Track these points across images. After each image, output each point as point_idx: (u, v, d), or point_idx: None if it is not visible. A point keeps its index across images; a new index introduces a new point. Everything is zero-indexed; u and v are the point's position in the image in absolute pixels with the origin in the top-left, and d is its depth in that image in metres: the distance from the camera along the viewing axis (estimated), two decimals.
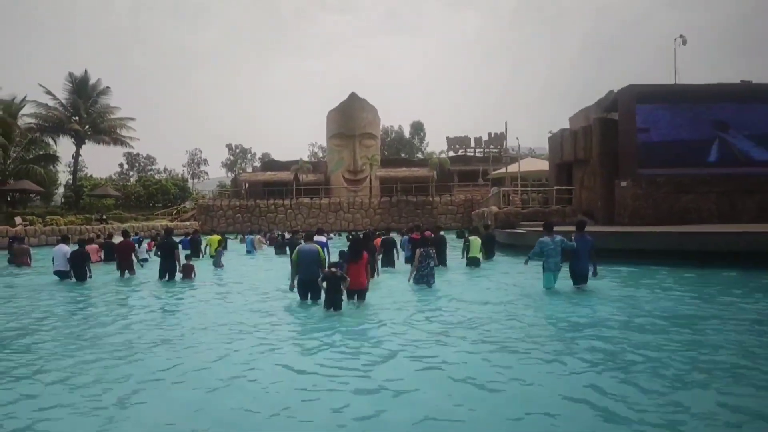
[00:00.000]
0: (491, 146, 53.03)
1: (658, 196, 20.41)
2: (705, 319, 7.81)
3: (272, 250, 22.96)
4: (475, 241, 15.37)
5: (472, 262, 14.88)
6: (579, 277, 10.44)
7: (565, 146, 25.62)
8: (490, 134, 53.74)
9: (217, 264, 16.58)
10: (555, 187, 25.32)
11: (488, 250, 16.45)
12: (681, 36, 25.19)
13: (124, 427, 4.24)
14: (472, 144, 53.91)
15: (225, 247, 17.27)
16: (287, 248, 19.36)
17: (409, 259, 14.30)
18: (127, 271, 14.33)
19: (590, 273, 10.40)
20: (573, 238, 10.70)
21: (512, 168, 33.42)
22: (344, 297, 8.99)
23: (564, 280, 10.65)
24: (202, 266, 16.40)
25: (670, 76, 25.47)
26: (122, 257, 14.54)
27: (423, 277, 11.24)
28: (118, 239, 16.43)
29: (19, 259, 17.77)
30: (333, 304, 8.73)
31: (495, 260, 16.68)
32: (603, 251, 14.52)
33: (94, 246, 17.87)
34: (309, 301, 9.44)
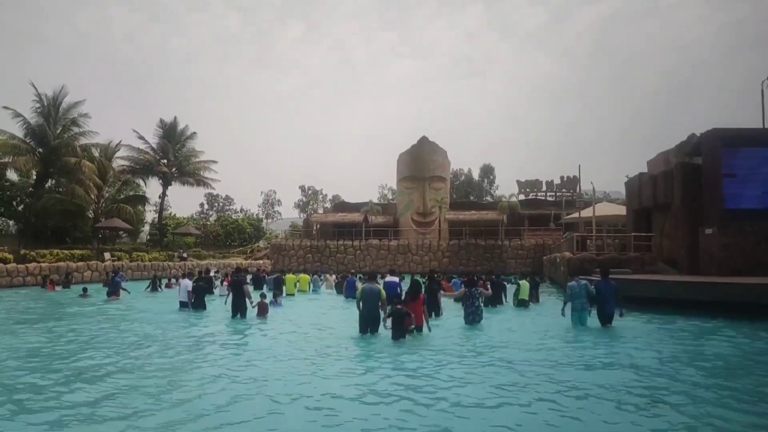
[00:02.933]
0: (563, 190, 51.91)
1: (747, 246, 19.16)
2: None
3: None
4: (524, 285, 16.73)
5: (521, 304, 16.27)
6: (604, 318, 11.76)
7: (643, 191, 24.73)
8: (562, 178, 52.72)
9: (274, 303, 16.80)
10: (633, 234, 24.33)
11: (535, 294, 17.87)
12: None
13: None
14: (544, 188, 53.00)
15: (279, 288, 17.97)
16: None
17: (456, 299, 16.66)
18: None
19: (617, 314, 11.68)
20: (594, 283, 12.07)
21: (586, 213, 32.49)
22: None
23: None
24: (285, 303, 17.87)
25: (755, 120, 24.21)
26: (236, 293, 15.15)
27: (469, 315, 12.19)
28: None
29: (113, 292, 19.14)
30: (398, 335, 10.01)
31: (542, 303, 17.98)
32: (691, 302, 13.86)
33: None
34: (369, 333, 10.66)
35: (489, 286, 16.10)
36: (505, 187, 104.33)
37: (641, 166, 26.74)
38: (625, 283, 16.83)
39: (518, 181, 53.57)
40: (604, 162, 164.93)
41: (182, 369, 7.90)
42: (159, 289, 23.22)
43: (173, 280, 25.45)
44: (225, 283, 21.10)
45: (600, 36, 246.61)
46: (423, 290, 11.59)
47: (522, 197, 52.29)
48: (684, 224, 21.27)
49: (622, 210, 30.77)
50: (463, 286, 16.41)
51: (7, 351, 9.13)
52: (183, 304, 15.93)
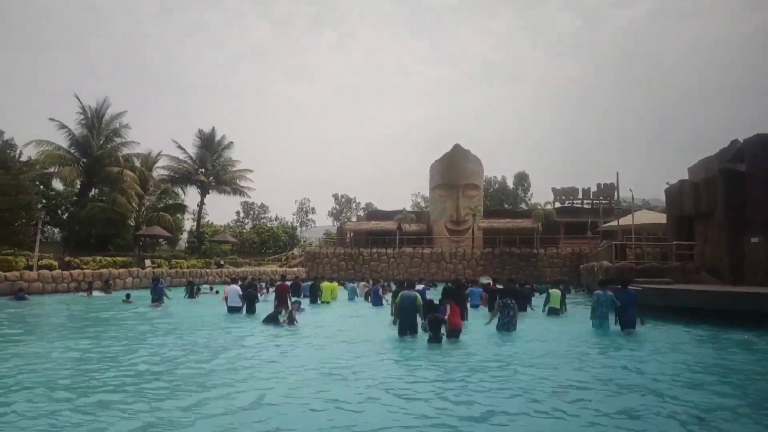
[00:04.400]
0: (600, 197, 50.85)
1: None
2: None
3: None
4: (555, 293, 17.04)
5: (552, 312, 16.60)
6: (625, 325, 12.46)
7: (685, 198, 24.08)
8: (599, 185, 51.66)
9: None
10: (675, 242, 23.68)
11: (565, 304, 17.66)
12: None
13: None
14: (580, 195, 52.01)
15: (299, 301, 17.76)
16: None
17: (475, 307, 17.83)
18: (283, 309, 15.03)
19: (638, 321, 12.41)
20: (615, 292, 12.78)
21: (625, 220, 31.77)
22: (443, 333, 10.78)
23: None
24: (313, 310, 18.30)
25: None
26: (280, 297, 16.24)
27: (504, 325, 12.42)
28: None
29: (157, 299, 19.67)
30: (435, 339, 10.54)
31: (569, 312, 17.55)
32: (736, 314, 13.42)
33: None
34: (408, 336, 11.14)
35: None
36: (540, 195, 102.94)
37: (682, 173, 26.09)
38: (666, 294, 16.44)
39: (553, 189, 52.73)
40: (643, 169, 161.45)
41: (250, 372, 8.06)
42: (196, 296, 23.86)
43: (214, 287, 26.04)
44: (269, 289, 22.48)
45: (633, 40, 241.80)
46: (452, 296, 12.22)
47: (557, 205, 51.47)
48: (727, 232, 20.61)
49: (662, 218, 29.99)
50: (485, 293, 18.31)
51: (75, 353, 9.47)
52: (233, 309, 16.44)
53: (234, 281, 18.62)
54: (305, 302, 18.78)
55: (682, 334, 12.77)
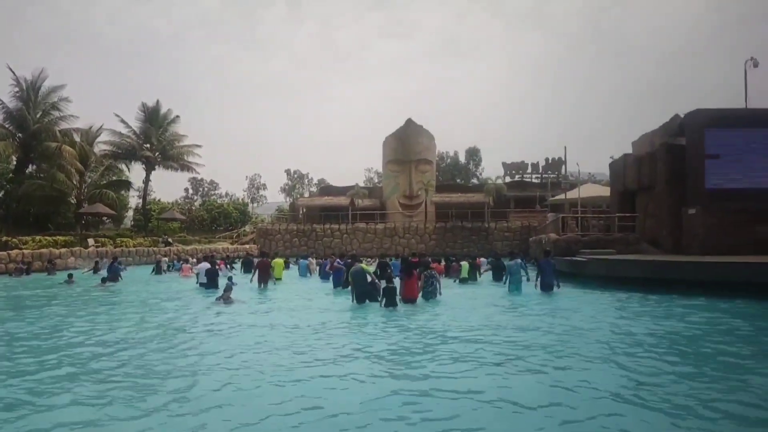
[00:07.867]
0: (549, 172, 52.19)
1: (730, 225, 19.41)
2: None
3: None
4: (465, 265, 20.08)
5: (462, 281, 19.44)
6: (544, 287, 15.22)
7: (628, 172, 24.93)
8: (547, 160, 52.96)
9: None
10: (617, 215, 24.57)
11: (474, 274, 20.25)
12: (752, 58, 24.07)
13: None
14: (529, 170, 53.20)
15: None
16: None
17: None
18: (263, 283, 17.85)
19: (555, 285, 15.32)
20: (539, 261, 16.30)
21: (571, 194, 32.73)
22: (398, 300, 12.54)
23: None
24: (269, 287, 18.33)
25: (739, 101, 24.39)
26: (262, 272, 18.07)
27: (429, 294, 13.93)
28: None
29: (111, 278, 19.59)
30: (391, 304, 12.20)
31: (479, 281, 20.00)
32: (675, 282, 14.07)
33: (188, 266, 24.18)
34: (364, 303, 12.79)
35: (444, 266, 21.22)
36: (491, 170, 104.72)
37: (626, 148, 26.95)
38: (609, 264, 17.13)
39: (504, 163, 53.65)
40: (589, 143, 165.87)
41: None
42: (163, 272, 24.74)
43: (184, 263, 26.34)
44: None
45: (589, 15, 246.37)
46: (415, 270, 13.87)
47: (508, 179, 52.47)
48: (667, 205, 21.50)
49: (607, 191, 31.02)
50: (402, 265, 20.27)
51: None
52: (203, 285, 17.74)
53: (206, 259, 20.29)
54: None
55: (610, 300, 13.90)
